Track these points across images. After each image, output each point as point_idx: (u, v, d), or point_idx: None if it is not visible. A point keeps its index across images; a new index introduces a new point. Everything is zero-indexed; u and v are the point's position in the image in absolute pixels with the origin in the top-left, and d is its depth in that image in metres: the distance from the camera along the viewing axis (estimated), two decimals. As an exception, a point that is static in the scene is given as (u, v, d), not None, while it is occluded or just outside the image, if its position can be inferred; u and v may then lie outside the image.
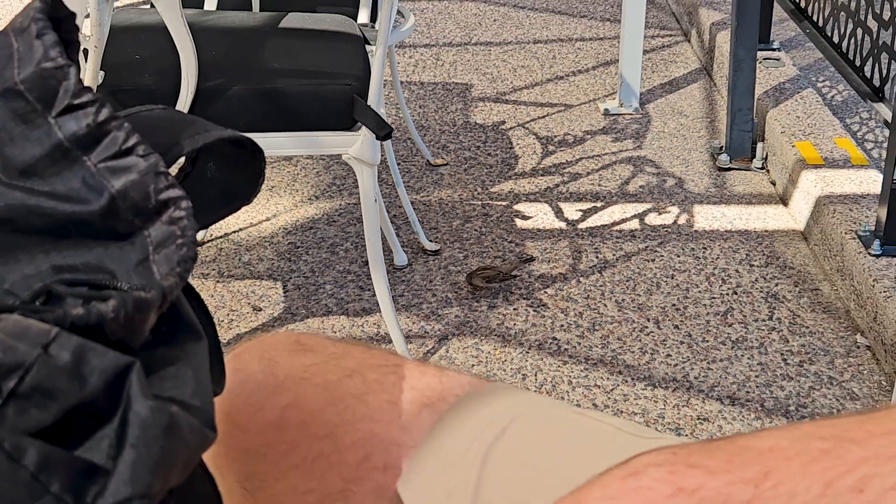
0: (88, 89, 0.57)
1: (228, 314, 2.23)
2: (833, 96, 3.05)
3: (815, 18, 2.71)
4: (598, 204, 2.71)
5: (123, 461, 0.45)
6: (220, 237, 2.57)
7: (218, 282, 2.35)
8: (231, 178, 0.66)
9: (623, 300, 2.31)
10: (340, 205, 2.70)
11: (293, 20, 2.20)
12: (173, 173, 0.58)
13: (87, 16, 1.75)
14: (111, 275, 0.55)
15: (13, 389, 0.44)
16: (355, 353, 0.85)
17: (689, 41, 3.95)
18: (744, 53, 2.91)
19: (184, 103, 1.87)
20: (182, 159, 0.62)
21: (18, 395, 0.44)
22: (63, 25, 0.61)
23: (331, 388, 0.82)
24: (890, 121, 2.16)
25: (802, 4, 2.80)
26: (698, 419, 1.91)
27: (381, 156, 2.06)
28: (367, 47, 2.11)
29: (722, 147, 2.96)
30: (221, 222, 2.57)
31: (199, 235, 2.53)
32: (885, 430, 0.53)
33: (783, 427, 0.55)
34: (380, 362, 0.83)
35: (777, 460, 0.54)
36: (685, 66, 3.70)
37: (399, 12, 2.47)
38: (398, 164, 2.62)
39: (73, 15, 0.62)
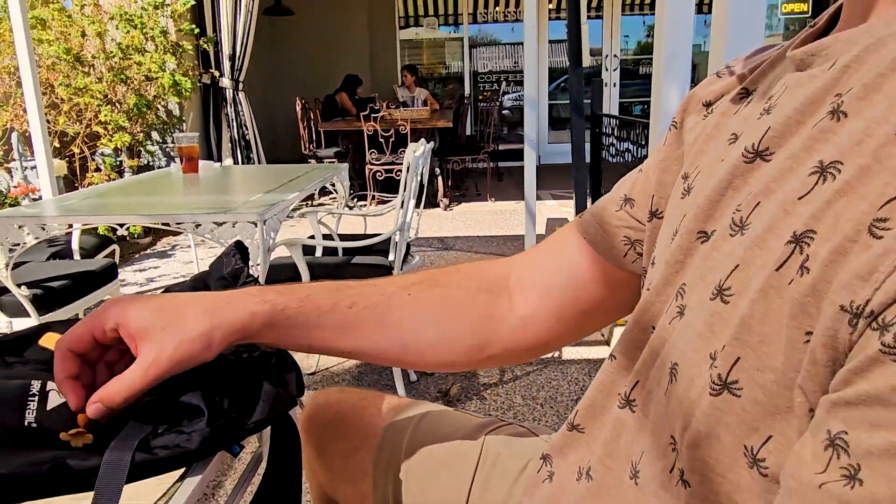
0: (253, 277, 0.79)
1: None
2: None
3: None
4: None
5: (260, 404, 0.60)
6: (324, 369, 2.63)
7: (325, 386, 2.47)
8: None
9: (525, 395, 2.40)
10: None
11: (357, 260, 2.45)
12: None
13: (258, 264, 1.92)
14: (256, 346, 0.74)
15: (220, 379, 0.64)
16: (366, 392, 0.88)
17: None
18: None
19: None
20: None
21: (221, 381, 0.64)
22: (243, 253, 0.84)
23: (355, 406, 0.86)
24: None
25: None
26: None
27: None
28: (394, 272, 2.29)
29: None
30: (325, 360, 2.74)
31: (312, 367, 2.66)
32: (369, 284, 0.63)
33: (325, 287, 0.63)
34: (375, 395, 0.87)
35: (313, 290, 0.61)
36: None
37: (410, 254, 2.63)
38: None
39: (247, 248, 0.85)
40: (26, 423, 0.60)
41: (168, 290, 0.84)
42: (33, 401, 0.61)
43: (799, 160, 0.35)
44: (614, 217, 0.59)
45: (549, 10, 8.67)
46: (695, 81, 5.06)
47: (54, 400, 0.62)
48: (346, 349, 0.62)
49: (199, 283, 0.82)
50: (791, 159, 0.36)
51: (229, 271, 0.79)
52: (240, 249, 0.80)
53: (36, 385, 0.63)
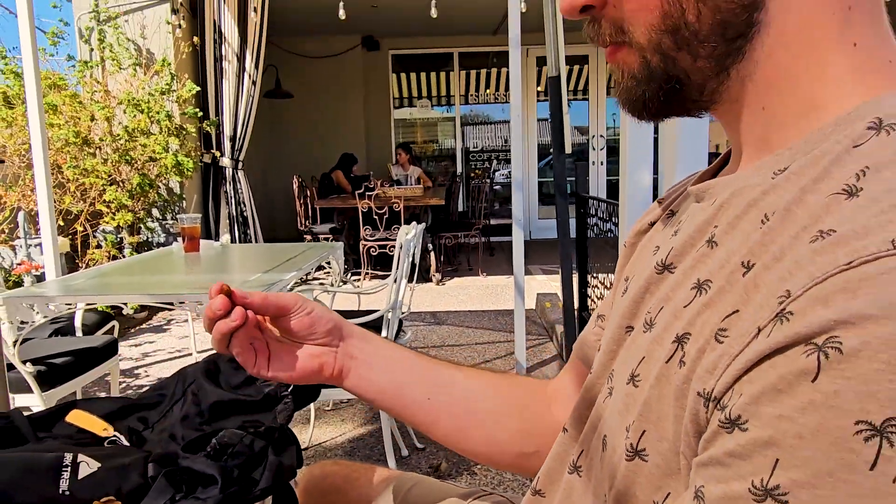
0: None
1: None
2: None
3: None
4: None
5: (265, 473, 0.71)
6: (316, 444, 2.67)
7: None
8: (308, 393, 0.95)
9: (515, 469, 2.45)
10: (375, 428, 2.86)
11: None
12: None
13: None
14: (262, 422, 0.84)
15: (231, 452, 0.73)
16: (359, 465, 0.94)
17: (551, 341, 4.17)
18: (573, 343, 3.22)
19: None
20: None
21: (231, 453, 0.73)
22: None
23: (348, 477, 0.92)
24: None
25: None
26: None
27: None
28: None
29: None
30: (318, 436, 2.78)
31: (305, 442, 2.67)
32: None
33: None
34: (367, 468, 0.94)
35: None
36: (550, 353, 3.90)
37: (403, 330, 2.71)
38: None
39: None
40: (60, 492, 0.68)
41: (182, 370, 0.94)
42: (66, 471, 0.70)
43: (688, 276, 0.44)
44: (592, 335, 0.70)
45: (538, 91, 9.08)
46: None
47: (84, 471, 0.72)
48: (419, 397, 0.72)
49: (211, 364, 0.92)
50: (683, 274, 0.45)
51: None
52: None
53: (68, 457, 0.72)
